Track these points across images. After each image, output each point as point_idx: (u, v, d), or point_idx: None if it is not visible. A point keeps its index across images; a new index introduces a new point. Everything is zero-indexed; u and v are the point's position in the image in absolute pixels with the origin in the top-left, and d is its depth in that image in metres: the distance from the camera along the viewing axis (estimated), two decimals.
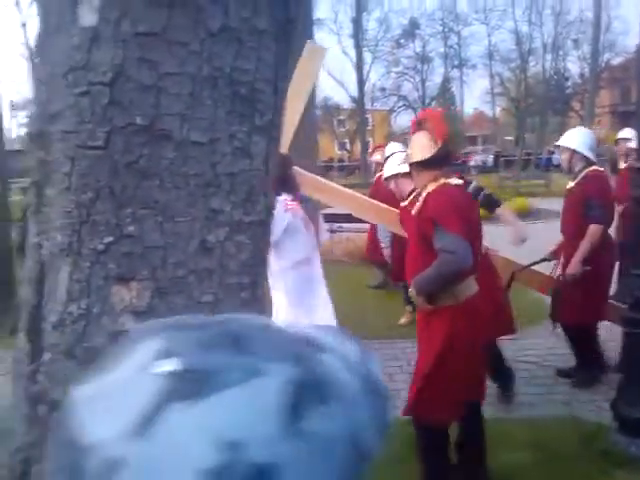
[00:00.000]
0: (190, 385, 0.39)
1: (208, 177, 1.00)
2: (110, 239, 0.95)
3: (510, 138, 41.26)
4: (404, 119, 38.13)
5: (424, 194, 2.89)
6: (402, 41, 37.77)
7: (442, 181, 2.89)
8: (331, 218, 8.37)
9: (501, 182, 19.91)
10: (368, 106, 35.60)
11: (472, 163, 34.00)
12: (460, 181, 3.04)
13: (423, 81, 37.92)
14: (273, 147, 1.12)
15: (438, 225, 2.71)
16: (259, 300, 1.17)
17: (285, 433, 0.39)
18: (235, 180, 1.03)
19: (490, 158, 35.26)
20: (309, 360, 0.43)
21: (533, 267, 4.23)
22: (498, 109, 41.18)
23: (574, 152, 4.17)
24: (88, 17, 0.97)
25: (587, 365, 4.18)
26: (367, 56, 34.43)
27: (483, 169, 32.16)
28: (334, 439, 0.41)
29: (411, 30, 37.45)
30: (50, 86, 1.02)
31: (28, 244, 1.08)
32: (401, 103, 37.61)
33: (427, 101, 36.98)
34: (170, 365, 0.40)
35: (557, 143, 4.55)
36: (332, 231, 9.90)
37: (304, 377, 0.41)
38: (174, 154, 0.96)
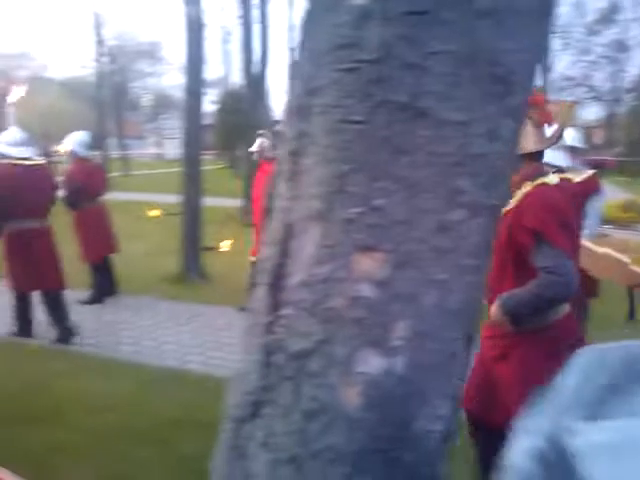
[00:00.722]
0: None
1: (457, 157, 1.00)
2: (360, 210, 1.00)
3: None
4: (591, 112, 35.23)
5: (519, 195, 2.45)
6: (596, 27, 34.70)
7: (540, 180, 2.42)
8: None
9: None
10: (553, 96, 33.28)
11: None
12: (557, 179, 2.52)
13: (618, 71, 34.57)
14: (520, 130, 1.10)
15: (541, 238, 2.29)
16: (483, 285, 1.16)
17: None
18: (482, 162, 1.03)
19: None
20: None
21: None
22: None
23: None
24: None
25: None
26: (556, 42, 32.16)
27: None
28: None
29: (609, 15, 34.22)
30: (314, 62, 1.09)
31: (276, 207, 1.17)
32: (590, 94, 34.65)
33: (621, 94, 33.74)
34: None
35: None
36: None
37: None
38: (429, 132, 0.98)
